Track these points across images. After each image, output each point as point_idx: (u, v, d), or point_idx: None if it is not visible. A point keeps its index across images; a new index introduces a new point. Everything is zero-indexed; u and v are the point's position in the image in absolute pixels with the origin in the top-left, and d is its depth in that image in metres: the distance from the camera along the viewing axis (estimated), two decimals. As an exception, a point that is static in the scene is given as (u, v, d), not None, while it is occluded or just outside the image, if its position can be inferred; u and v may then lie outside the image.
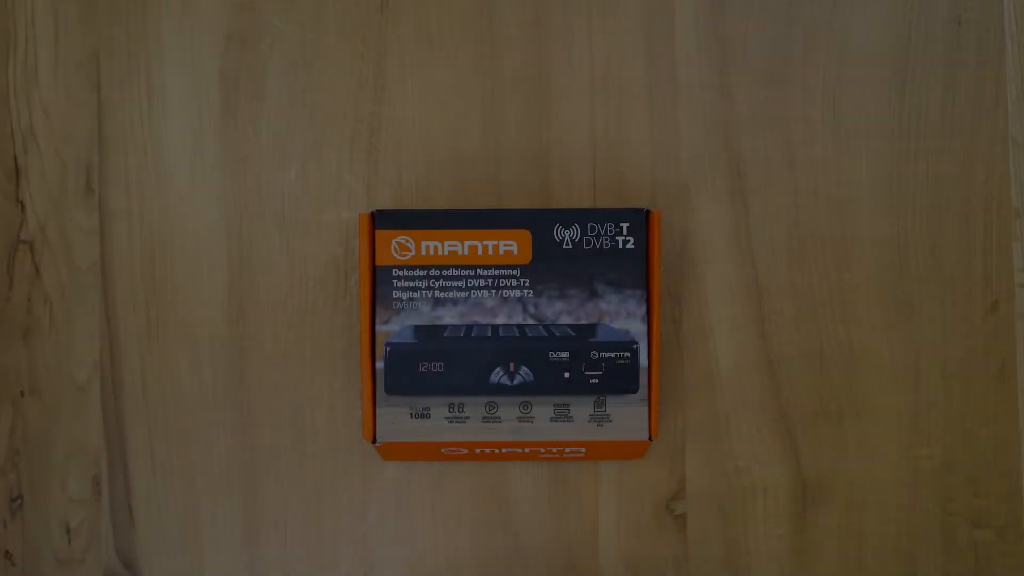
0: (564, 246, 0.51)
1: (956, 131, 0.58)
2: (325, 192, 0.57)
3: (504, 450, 0.51)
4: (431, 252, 0.51)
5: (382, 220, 0.51)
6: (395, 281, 0.51)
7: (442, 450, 0.51)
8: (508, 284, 0.51)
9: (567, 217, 0.51)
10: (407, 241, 0.51)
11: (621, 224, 0.51)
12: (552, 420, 0.50)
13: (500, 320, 0.51)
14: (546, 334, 0.50)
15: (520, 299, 0.51)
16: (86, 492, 0.56)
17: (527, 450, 0.51)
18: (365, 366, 0.50)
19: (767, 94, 0.57)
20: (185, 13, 0.57)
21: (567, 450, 0.52)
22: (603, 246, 0.51)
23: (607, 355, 0.50)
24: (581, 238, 0.51)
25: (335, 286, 0.56)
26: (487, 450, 0.51)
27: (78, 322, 0.56)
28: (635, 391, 0.50)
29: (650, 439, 0.50)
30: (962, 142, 0.58)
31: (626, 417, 0.50)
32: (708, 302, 0.57)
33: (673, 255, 0.57)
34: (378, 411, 0.50)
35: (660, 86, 0.57)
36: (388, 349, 0.50)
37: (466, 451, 0.52)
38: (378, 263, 0.51)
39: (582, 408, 0.50)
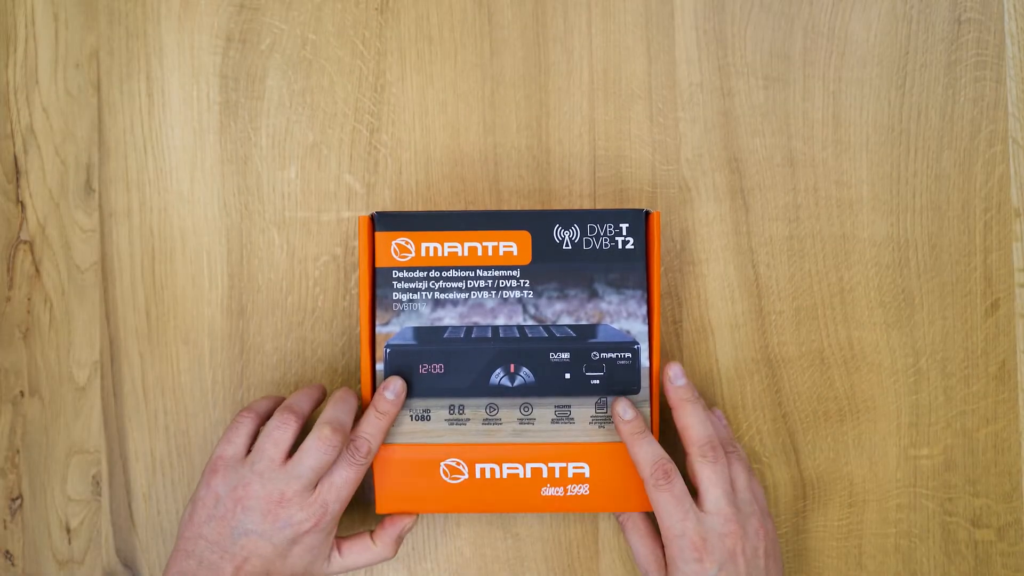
0: (564, 247, 0.51)
1: (956, 131, 0.58)
2: (325, 192, 0.57)
3: (505, 466, 0.50)
4: (431, 253, 0.50)
5: (382, 222, 0.51)
6: (395, 283, 0.51)
7: (441, 468, 0.51)
8: (508, 285, 0.51)
9: (567, 218, 0.51)
10: (407, 243, 0.50)
11: (621, 225, 0.51)
12: (553, 422, 0.50)
13: (500, 321, 0.50)
14: (546, 335, 0.50)
15: (520, 300, 0.50)
16: (86, 492, 0.56)
17: (528, 470, 0.50)
18: (365, 368, 0.50)
19: (767, 94, 0.57)
20: (185, 13, 0.57)
21: (571, 488, 0.50)
22: (603, 246, 0.51)
23: (608, 355, 0.50)
24: (581, 239, 0.51)
25: (335, 286, 0.56)
26: (485, 467, 0.50)
27: (78, 322, 0.56)
28: (637, 391, 0.50)
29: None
30: (962, 142, 0.58)
31: None
32: (708, 302, 0.57)
33: (673, 255, 0.57)
34: None
35: (660, 86, 0.57)
36: (388, 351, 0.50)
37: (465, 475, 0.50)
38: (378, 264, 0.51)
39: (583, 409, 0.50)
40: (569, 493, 0.50)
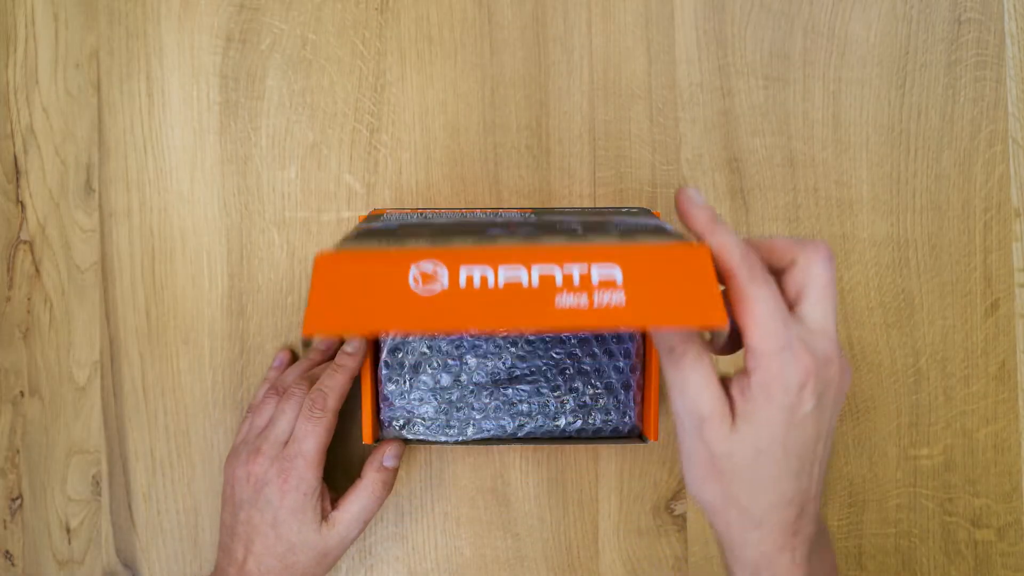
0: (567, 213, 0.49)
1: (956, 131, 0.58)
2: (325, 192, 0.57)
3: (503, 270, 0.33)
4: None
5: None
6: (382, 217, 0.44)
7: (412, 275, 0.33)
8: (508, 214, 0.45)
9: (568, 210, 0.51)
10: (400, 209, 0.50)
11: (624, 209, 0.51)
12: (580, 233, 0.37)
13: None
14: (554, 219, 0.41)
15: (522, 218, 0.43)
16: (86, 492, 0.56)
17: (536, 275, 0.33)
18: (365, 369, 0.50)
19: (767, 94, 0.57)
20: (185, 13, 0.57)
21: (599, 283, 0.33)
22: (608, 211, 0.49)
23: (632, 221, 0.40)
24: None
25: (335, 286, 0.56)
26: (474, 271, 0.33)
27: (78, 322, 0.56)
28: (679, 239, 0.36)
29: (647, 440, 0.50)
30: (962, 142, 0.58)
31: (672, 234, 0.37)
32: (708, 302, 0.57)
33: (673, 255, 0.57)
34: (335, 246, 0.36)
35: (660, 86, 0.57)
36: (358, 230, 0.39)
37: (444, 285, 0.33)
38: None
39: (614, 227, 0.38)
40: (596, 305, 0.33)
